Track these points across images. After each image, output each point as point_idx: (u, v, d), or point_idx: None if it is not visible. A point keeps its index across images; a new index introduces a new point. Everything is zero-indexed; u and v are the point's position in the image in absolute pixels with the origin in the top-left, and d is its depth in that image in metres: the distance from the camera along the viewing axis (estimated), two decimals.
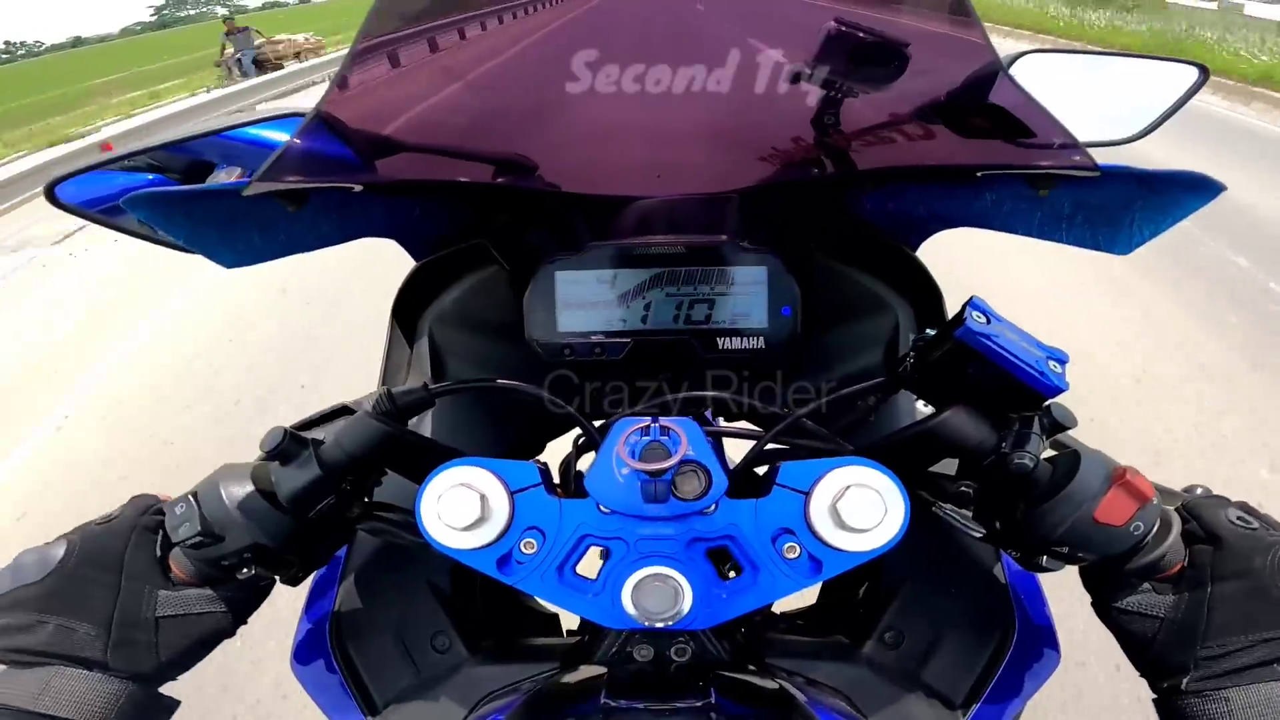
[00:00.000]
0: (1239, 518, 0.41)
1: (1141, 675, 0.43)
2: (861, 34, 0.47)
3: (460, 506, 0.40)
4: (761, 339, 0.61)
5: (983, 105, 0.46)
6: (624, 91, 0.57)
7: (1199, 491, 0.46)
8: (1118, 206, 0.46)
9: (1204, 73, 0.70)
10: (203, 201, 0.48)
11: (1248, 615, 0.37)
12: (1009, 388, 0.40)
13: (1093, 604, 0.45)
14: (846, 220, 0.67)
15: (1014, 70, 0.67)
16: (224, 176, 0.75)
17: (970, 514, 0.48)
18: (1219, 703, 0.36)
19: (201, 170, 0.79)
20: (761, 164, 0.61)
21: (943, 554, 0.55)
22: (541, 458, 0.61)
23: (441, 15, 0.47)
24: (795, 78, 0.50)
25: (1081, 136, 0.70)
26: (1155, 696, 0.41)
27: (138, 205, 0.45)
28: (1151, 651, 0.41)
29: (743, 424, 0.69)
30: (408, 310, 0.68)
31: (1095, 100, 0.69)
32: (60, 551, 0.42)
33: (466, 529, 0.40)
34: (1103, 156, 0.45)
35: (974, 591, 0.54)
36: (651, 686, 0.43)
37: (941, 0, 0.46)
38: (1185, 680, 0.38)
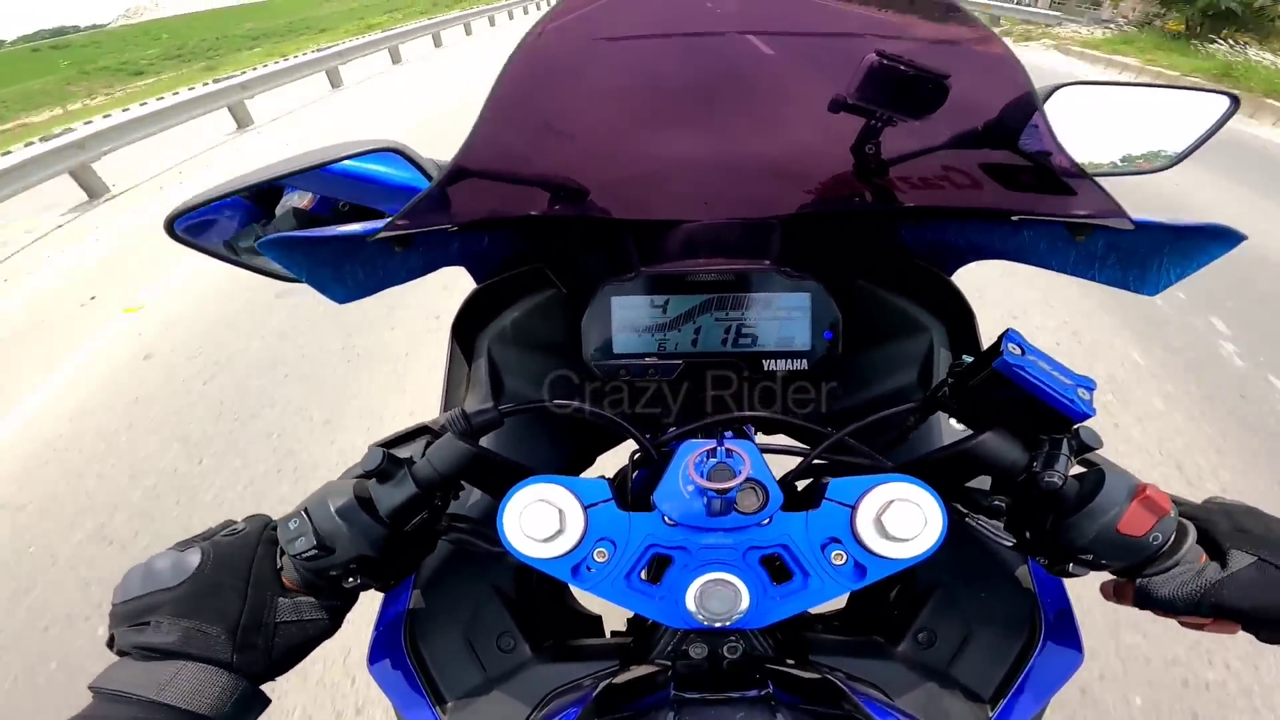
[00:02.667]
0: (1239, 528, 0.46)
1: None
2: (903, 67, 0.50)
3: (540, 520, 0.44)
4: (804, 361, 0.65)
5: (1021, 159, 0.49)
6: (673, 121, 0.61)
7: (1230, 501, 0.51)
8: (1148, 251, 0.48)
9: (1235, 102, 0.72)
10: (324, 244, 0.52)
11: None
12: (1040, 413, 0.44)
13: (1135, 603, 0.48)
14: (886, 247, 0.70)
15: (1051, 102, 0.69)
16: (296, 199, 0.80)
17: (1001, 525, 0.52)
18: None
19: (272, 194, 0.84)
20: (804, 193, 0.64)
21: (973, 561, 0.59)
22: (593, 469, 0.65)
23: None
24: (837, 108, 0.53)
25: (1117, 166, 0.72)
26: None
27: (270, 248, 0.50)
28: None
29: (783, 438, 0.73)
30: (467, 330, 0.72)
31: (1129, 130, 0.71)
32: (196, 559, 0.46)
33: (546, 540, 0.44)
34: (1137, 184, 0.47)
35: (1002, 595, 0.58)
36: (711, 681, 0.47)
37: (975, 35, 0.47)
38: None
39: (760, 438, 0.81)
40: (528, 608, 0.62)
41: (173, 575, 0.45)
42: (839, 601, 0.71)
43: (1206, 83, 6.57)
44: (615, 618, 0.71)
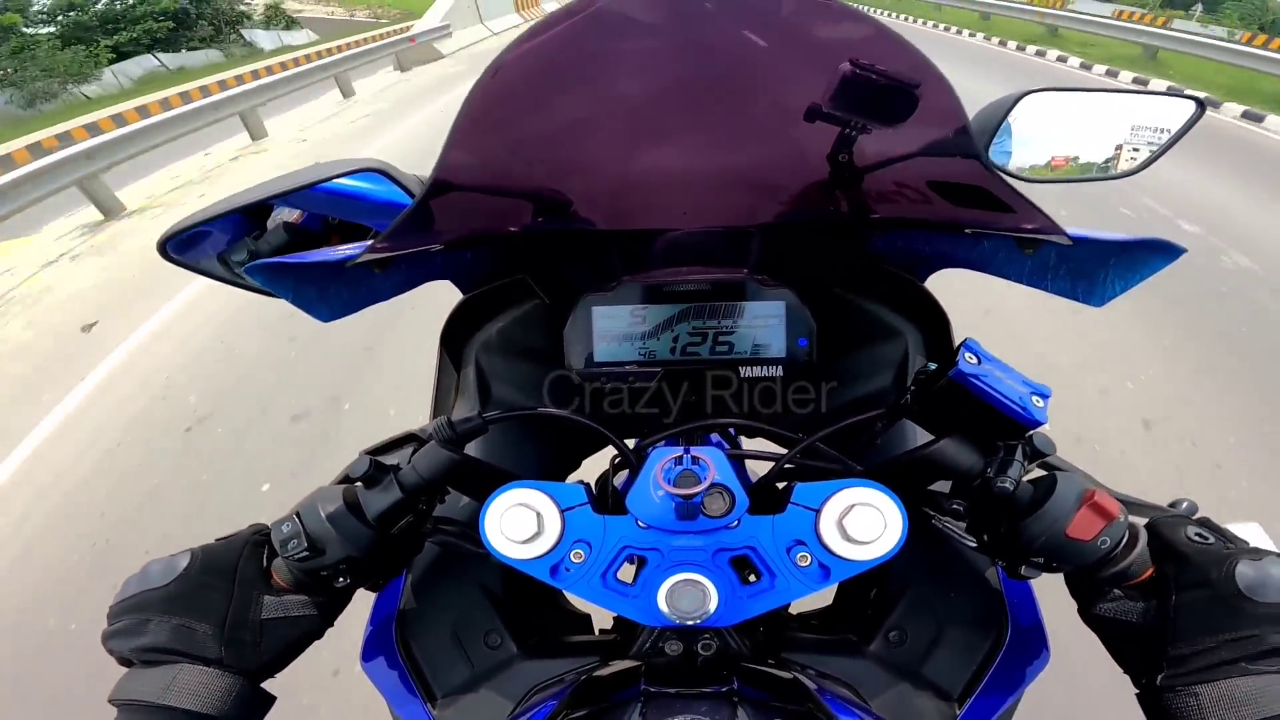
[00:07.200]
0: (1197, 534, 0.46)
1: (1125, 672, 0.48)
2: (874, 76, 0.51)
3: (519, 523, 0.47)
4: (779, 367, 0.67)
5: (970, 178, 0.51)
6: (652, 133, 0.62)
7: (1183, 506, 0.52)
8: (1094, 264, 0.51)
9: (1200, 106, 0.73)
10: (308, 268, 0.55)
11: (1209, 620, 0.42)
12: (995, 420, 0.46)
13: (1079, 610, 0.50)
14: (859, 254, 0.72)
15: (1019, 108, 0.71)
16: (286, 214, 0.83)
17: (964, 527, 0.53)
18: (1190, 697, 0.41)
19: (263, 209, 0.86)
20: (781, 202, 0.65)
21: (943, 562, 0.61)
22: (577, 472, 0.67)
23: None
24: (813, 117, 0.55)
25: (1086, 172, 0.74)
26: (1138, 691, 0.46)
27: (256, 273, 0.52)
28: (1129, 651, 0.47)
29: (760, 442, 0.74)
30: (455, 340, 0.74)
31: (1096, 135, 0.73)
32: (185, 561, 0.49)
33: (524, 542, 0.47)
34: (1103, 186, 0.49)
35: (971, 595, 0.60)
36: (682, 676, 0.49)
37: (931, 84, 0.48)
38: (1160, 677, 0.43)
39: (745, 443, 0.84)
40: (515, 606, 0.64)
41: (162, 576, 0.48)
42: (825, 600, 0.73)
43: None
44: (604, 616, 0.73)
